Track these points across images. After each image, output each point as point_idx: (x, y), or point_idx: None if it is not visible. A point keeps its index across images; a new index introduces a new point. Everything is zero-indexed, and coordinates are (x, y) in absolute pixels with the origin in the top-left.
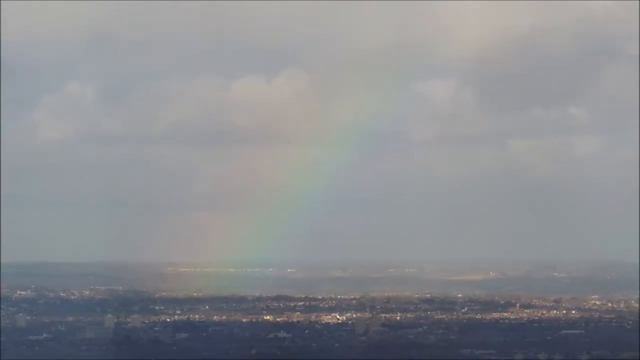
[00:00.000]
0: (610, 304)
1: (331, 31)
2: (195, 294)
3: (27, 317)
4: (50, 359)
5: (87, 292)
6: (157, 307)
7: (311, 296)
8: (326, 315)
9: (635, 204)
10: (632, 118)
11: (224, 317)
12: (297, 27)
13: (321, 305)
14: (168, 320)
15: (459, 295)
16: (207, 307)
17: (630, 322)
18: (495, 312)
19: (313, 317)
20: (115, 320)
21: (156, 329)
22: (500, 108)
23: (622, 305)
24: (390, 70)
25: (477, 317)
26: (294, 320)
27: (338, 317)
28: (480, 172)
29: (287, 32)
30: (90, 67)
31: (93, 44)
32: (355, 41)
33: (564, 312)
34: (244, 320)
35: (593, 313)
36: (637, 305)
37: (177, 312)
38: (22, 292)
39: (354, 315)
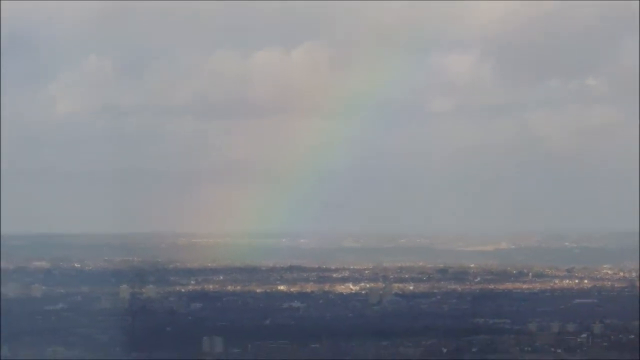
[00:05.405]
0: (622, 273)
1: (350, 5)
2: (209, 265)
3: (43, 288)
4: (66, 329)
5: (101, 263)
6: (171, 278)
7: (324, 266)
8: (339, 285)
9: None
10: None
11: (238, 287)
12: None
13: (334, 275)
14: (183, 290)
15: (472, 265)
16: (221, 277)
17: None
18: (508, 282)
19: (326, 287)
20: (130, 291)
21: (171, 299)
22: (518, 79)
23: (633, 274)
24: (409, 43)
25: (490, 287)
26: (308, 290)
27: (351, 287)
28: (495, 142)
29: (306, 5)
30: (108, 40)
31: (110, 16)
32: (374, 15)
33: (577, 281)
34: (258, 290)
35: (605, 282)
36: None
37: (192, 282)
38: (37, 263)
39: (367, 285)
